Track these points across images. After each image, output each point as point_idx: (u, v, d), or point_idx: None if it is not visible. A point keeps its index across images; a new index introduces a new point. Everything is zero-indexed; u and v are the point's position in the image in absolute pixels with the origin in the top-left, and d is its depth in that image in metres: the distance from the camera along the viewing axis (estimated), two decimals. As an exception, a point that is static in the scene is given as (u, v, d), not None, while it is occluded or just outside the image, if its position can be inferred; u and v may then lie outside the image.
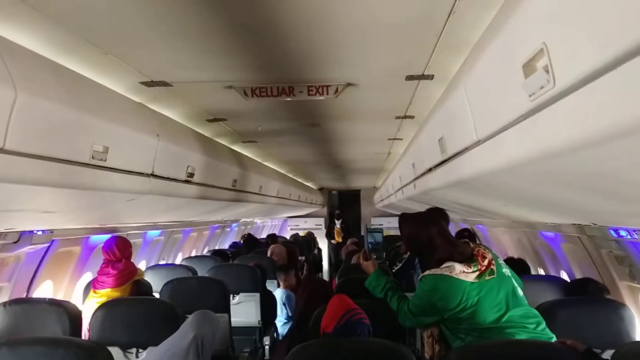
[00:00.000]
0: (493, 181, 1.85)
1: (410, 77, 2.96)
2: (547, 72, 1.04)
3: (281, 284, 6.00)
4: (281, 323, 5.94)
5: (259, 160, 6.68)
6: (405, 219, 2.93)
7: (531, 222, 4.42)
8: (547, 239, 4.83)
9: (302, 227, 14.35)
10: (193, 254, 7.53)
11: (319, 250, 12.73)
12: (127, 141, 2.64)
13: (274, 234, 11.82)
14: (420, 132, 3.35)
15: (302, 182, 11.20)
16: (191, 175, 3.62)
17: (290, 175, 9.40)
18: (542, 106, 1.12)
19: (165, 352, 2.80)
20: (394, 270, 4.51)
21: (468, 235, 4.52)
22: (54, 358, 2.36)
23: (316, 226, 14.59)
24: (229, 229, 9.95)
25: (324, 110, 3.98)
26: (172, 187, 3.34)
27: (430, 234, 2.72)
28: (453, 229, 9.00)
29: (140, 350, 3.36)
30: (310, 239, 11.99)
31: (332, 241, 13.12)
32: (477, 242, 3.50)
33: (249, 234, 9.54)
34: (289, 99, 3.25)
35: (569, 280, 4.15)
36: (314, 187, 13.70)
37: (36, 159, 1.95)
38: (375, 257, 3.56)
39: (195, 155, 3.71)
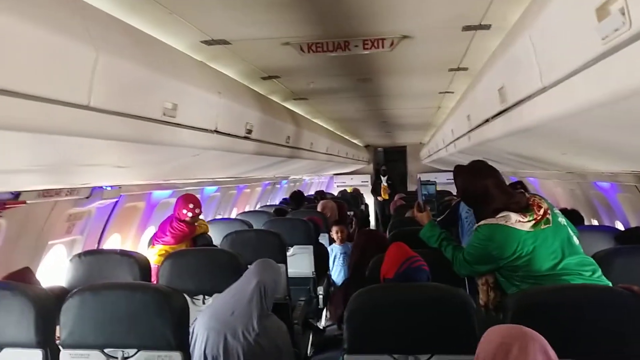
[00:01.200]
0: (557, 128, 1.88)
1: (466, 28, 2.96)
2: (623, 14, 1.07)
3: (336, 238, 6.14)
4: (337, 274, 6.13)
5: (309, 118, 6.76)
6: (460, 170, 2.98)
7: (586, 173, 4.38)
8: (601, 189, 4.79)
9: (348, 184, 14.47)
10: (247, 209, 7.75)
11: (366, 205, 12.85)
12: (193, 99, 2.75)
13: (322, 191, 11.99)
14: (476, 83, 3.35)
15: (348, 139, 11.25)
16: (249, 131, 3.73)
17: (337, 133, 9.46)
18: (616, 48, 1.15)
19: (231, 297, 2.96)
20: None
21: (521, 187, 4.52)
22: (133, 301, 2.54)
23: (362, 183, 14.67)
24: (279, 186, 10.15)
25: (376, 65, 4.01)
26: (233, 143, 3.46)
27: (486, 185, 2.77)
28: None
29: (207, 297, 3.57)
30: (357, 195, 12.10)
31: (379, 198, 13.20)
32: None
33: (298, 191, 9.73)
34: (344, 54, 3.30)
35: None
36: (360, 144, 13.74)
37: (115, 116, 2.07)
38: (429, 208, 3.63)
39: (253, 112, 3.81)
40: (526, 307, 2.20)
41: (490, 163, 2.89)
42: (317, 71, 4.20)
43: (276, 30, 3.00)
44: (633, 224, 4.33)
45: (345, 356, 2.41)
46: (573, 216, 4.38)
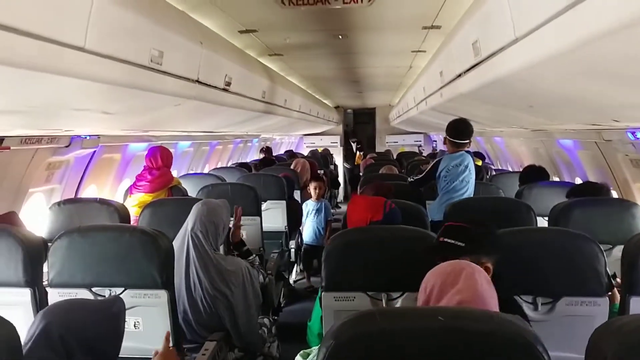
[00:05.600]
0: (527, 78, 2.02)
1: (443, -16, 3.06)
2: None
3: (314, 194, 6.28)
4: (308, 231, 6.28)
5: (283, 75, 6.81)
6: None
7: (551, 130, 4.60)
8: (564, 147, 5.03)
9: (317, 144, 14.56)
10: (219, 166, 7.82)
11: (335, 166, 13.02)
12: (177, 47, 2.80)
13: (292, 150, 12.10)
14: (450, 39, 3.47)
15: (320, 99, 11.32)
16: (228, 84, 3.80)
17: (310, 92, 9.52)
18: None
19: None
20: (411, 180, 4.81)
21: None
22: (121, 242, 2.62)
23: (332, 144, 14.79)
24: (250, 144, 10.21)
25: (353, 21, 4.09)
26: (213, 94, 3.53)
27: None
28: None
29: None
30: (327, 155, 12.25)
31: (348, 163, 13.48)
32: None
33: (267, 147, 9.79)
34: (323, 7, 3.37)
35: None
36: (331, 105, 13.81)
37: (108, 59, 2.13)
38: None
39: (231, 65, 3.87)
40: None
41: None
42: (293, 26, 4.25)
43: (257, -20, 3.05)
44: (591, 180, 4.58)
45: (322, 293, 2.57)
46: (539, 172, 4.62)
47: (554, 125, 3.79)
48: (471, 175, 4.28)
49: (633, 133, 3.14)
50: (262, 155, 8.55)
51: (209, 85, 3.39)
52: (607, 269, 2.44)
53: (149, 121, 3.72)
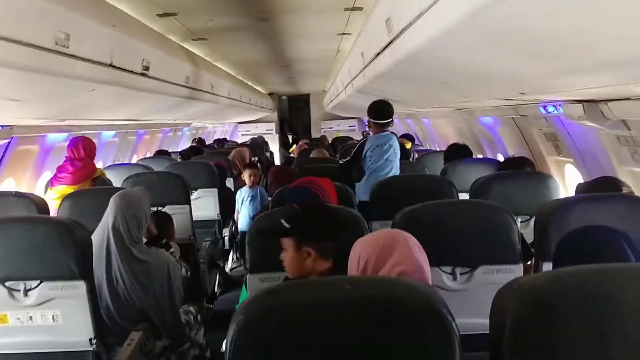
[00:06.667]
0: (434, 53, 2.07)
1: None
2: None
3: (248, 181, 6.23)
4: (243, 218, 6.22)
5: (210, 61, 6.71)
6: None
7: (471, 109, 4.74)
8: (485, 125, 5.20)
9: (252, 132, 14.47)
10: (147, 156, 7.64)
11: (271, 153, 12.97)
12: (86, 30, 2.70)
13: (224, 139, 11.99)
14: (369, 19, 3.51)
15: (252, 85, 11.23)
16: (146, 68, 3.70)
17: (240, 78, 9.42)
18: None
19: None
20: (341, 163, 4.85)
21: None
22: (35, 234, 2.51)
23: (267, 131, 14.75)
24: (180, 133, 10.01)
25: (275, 2, 4.06)
26: (130, 79, 3.43)
27: None
28: (399, 125, 9.33)
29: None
30: (262, 142, 12.19)
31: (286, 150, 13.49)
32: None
33: (200, 138, 9.66)
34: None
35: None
36: (264, 92, 13.73)
37: (7, 42, 2.03)
38: None
39: (150, 49, 3.77)
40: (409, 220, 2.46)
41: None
42: (215, 8, 4.19)
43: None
44: (512, 155, 4.76)
45: (247, 276, 2.56)
46: (464, 150, 4.76)
47: (471, 103, 3.90)
48: (395, 155, 4.35)
49: (544, 107, 3.27)
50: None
51: (125, 70, 3.29)
52: (525, 239, 2.53)
53: (64, 109, 3.57)
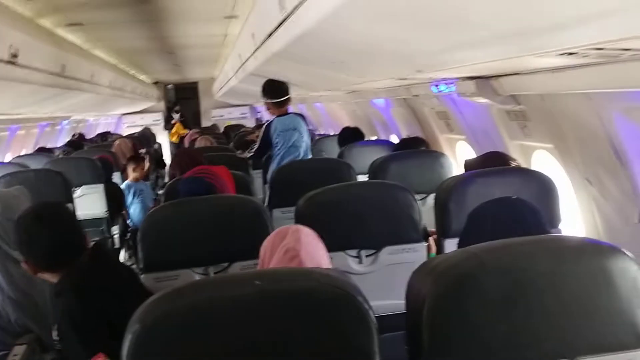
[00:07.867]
0: (329, 29, 1.99)
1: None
2: None
3: (131, 175, 5.90)
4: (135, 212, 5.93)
5: (88, 49, 6.28)
6: None
7: (363, 91, 4.75)
8: (377, 107, 5.25)
9: (139, 123, 13.82)
10: (22, 154, 7.05)
11: (160, 145, 12.46)
12: None
13: (108, 132, 11.38)
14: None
15: (135, 74, 10.71)
16: (14, 55, 3.34)
17: (122, 67, 8.95)
18: None
19: None
20: (250, 154, 4.66)
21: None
22: None
23: (154, 122, 14.14)
24: (59, 127, 9.34)
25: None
26: (-5, 67, 3.08)
27: None
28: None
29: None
30: (148, 133, 11.71)
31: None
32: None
33: (80, 134, 9.11)
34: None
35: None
36: (149, 81, 13.15)
37: None
38: None
39: (18, 34, 3.43)
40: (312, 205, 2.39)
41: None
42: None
43: None
44: (405, 135, 4.84)
45: (142, 276, 2.37)
46: (355, 133, 4.78)
47: (367, 84, 3.89)
48: (302, 138, 4.26)
49: (436, 86, 3.31)
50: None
51: (-12, 57, 2.94)
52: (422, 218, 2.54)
53: None
